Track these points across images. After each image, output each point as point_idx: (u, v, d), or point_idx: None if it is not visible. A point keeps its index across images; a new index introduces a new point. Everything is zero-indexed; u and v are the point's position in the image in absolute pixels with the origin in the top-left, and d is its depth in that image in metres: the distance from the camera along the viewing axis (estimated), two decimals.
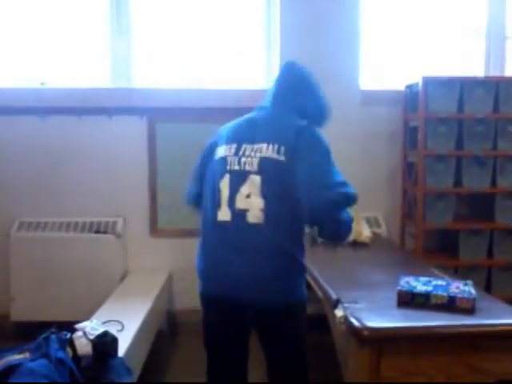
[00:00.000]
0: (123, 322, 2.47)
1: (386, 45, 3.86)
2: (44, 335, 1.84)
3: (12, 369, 1.70)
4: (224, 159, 1.81)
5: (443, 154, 3.47)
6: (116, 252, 3.46)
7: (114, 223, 3.55)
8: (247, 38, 3.78)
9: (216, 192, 1.79)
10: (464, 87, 3.47)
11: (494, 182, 3.54)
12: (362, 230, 3.26)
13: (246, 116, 1.93)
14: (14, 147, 3.57)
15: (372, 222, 3.65)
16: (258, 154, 1.76)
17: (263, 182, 1.73)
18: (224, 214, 1.76)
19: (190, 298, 3.54)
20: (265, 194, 1.72)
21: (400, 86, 3.74)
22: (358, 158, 3.73)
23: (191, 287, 3.55)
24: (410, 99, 3.66)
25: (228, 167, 1.79)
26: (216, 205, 1.78)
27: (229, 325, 1.83)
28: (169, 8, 3.71)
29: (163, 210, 3.67)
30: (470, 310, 1.84)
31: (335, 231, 1.79)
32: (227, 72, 3.76)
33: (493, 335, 1.77)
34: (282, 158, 1.73)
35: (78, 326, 1.93)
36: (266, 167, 1.74)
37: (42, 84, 3.59)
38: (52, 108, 3.53)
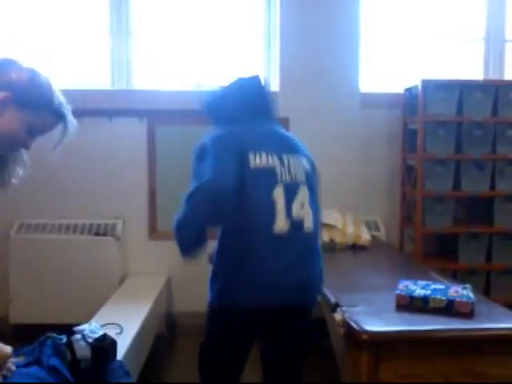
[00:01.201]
0: (122, 324, 2.46)
1: (385, 48, 3.87)
2: (40, 339, 1.84)
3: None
4: (271, 170, 1.79)
5: (442, 157, 3.47)
6: (115, 254, 3.46)
7: (114, 225, 3.55)
8: (247, 40, 3.78)
9: (269, 203, 1.76)
10: (463, 91, 3.47)
11: (493, 186, 3.54)
12: (361, 234, 3.26)
13: (244, 127, 1.88)
14: None
15: (371, 226, 3.65)
16: (302, 166, 1.87)
17: (311, 192, 1.87)
18: (281, 225, 1.76)
19: (189, 301, 3.56)
20: (311, 203, 1.85)
21: (399, 89, 3.75)
22: (357, 161, 3.73)
23: (191, 290, 3.58)
24: (409, 102, 3.66)
25: (279, 178, 1.80)
26: (270, 216, 1.76)
27: (251, 337, 1.89)
28: (169, 10, 3.72)
29: (162, 212, 3.67)
30: (468, 314, 1.85)
31: None
32: (227, 74, 3.77)
33: (491, 339, 1.78)
34: (310, 169, 1.91)
35: (76, 328, 1.92)
36: (308, 178, 1.87)
37: None
38: None
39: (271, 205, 1.76)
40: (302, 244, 1.81)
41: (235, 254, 1.77)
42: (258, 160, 1.78)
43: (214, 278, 1.82)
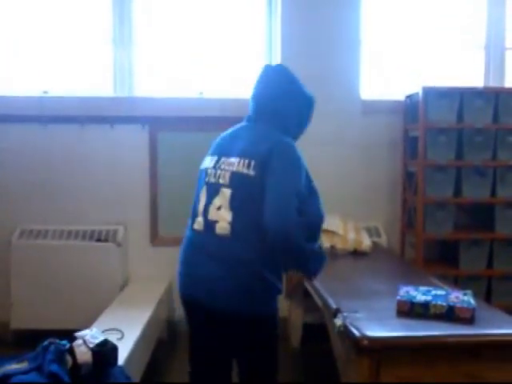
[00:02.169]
0: (123, 330, 2.47)
1: (386, 54, 3.89)
2: (43, 345, 1.84)
3: (8, 377, 1.71)
4: (205, 171, 1.92)
5: (443, 163, 3.48)
6: (116, 260, 3.46)
7: (115, 231, 3.56)
8: (248, 47, 3.80)
9: (196, 202, 1.91)
10: (464, 98, 3.49)
11: (493, 192, 3.55)
12: (362, 240, 3.27)
13: (234, 128, 1.99)
14: (16, 155, 3.58)
15: (372, 232, 3.65)
16: (230, 168, 1.83)
17: (232, 195, 1.79)
18: (198, 224, 1.86)
19: None
20: (233, 207, 1.78)
21: (400, 96, 3.76)
22: (358, 168, 3.75)
23: None
24: (410, 109, 3.68)
25: (207, 179, 1.89)
26: (194, 214, 1.90)
27: (201, 326, 1.91)
28: (171, 18, 3.74)
29: (164, 218, 3.68)
30: (469, 320, 1.85)
31: (301, 263, 1.83)
32: (228, 81, 3.79)
33: (492, 345, 1.78)
34: (252, 172, 1.77)
35: (77, 334, 1.93)
36: (235, 181, 1.80)
37: (45, 92, 3.62)
38: (54, 116, 3.55)
39: (197, 204, 1.89)
40: (211, 247, 1.80)
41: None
42: (205, 162, 1.96)
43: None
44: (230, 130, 2.00)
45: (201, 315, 1.86)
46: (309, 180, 1.86)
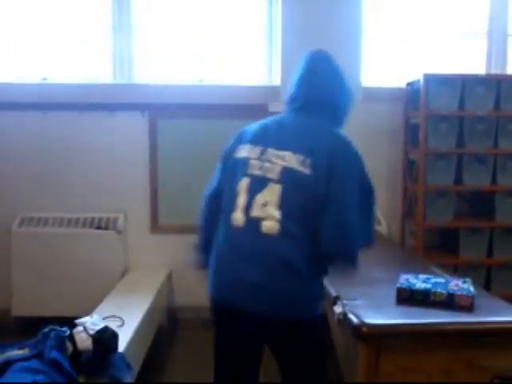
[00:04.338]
0: (123, 317, 2.48)
1: (387, 42, 3.85)
2: (44, 331, 1.85)
3: (9, 364, 1.72)
4: (246, 160, 1.70)
5: (444, 151, 3.47)
6: (117, 248, 3.47)
7: (115, 219, 3.56)
8: (249, 34, 3.77)
9: (230, 194, 1.69)
10: (465, 85, 3.47)
11: (494, 180, 3.54)
12: None
13: (275, 117, 1.81)
14: (16, 142, 3.57)
15: None
16: (281, 162, 1.65)
17: (283, 192, 1.62)
18: (237, 219, 1.65)
19: (190, 295, 3.56)
20: (283, 205, 1.61)
21: (401, 83, 3.74)
22: None
23: (192, 284, 3.57)
24: (411, 97, 3.66)
25: (249, 170, 1.68)
26: (231, 208, 1.67)
27: (234, 335, 1.74)
28: (170, 4, 3.71)
29: (164, 206, 3.68)
30: (468, 308, 1.85)
31: (347, 267, 1.70)
32: (229, 68, 3.76)
33: (491, 332, 1.78)
34: (307, 171, 1.62)
35: (78, 321, 1.94)
36: (287, 177, 1.63)
37: (44, 80, 3.60)
38: (53, 104, 3.54)
39: (234, 196, 1.68)
40: (254, 246, 1.62)
41: (214, 243, 1.74)
42: (241, 151, 1.73)
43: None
44: (271, 120, 1.79)
45: (239, 321, 1.65)
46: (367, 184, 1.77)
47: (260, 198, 1.63)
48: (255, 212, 1.63)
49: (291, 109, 1.80)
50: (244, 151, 1.73)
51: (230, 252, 1.67)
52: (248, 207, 1.64)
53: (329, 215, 1.60)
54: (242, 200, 1.66)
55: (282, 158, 1.66)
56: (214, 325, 1.76)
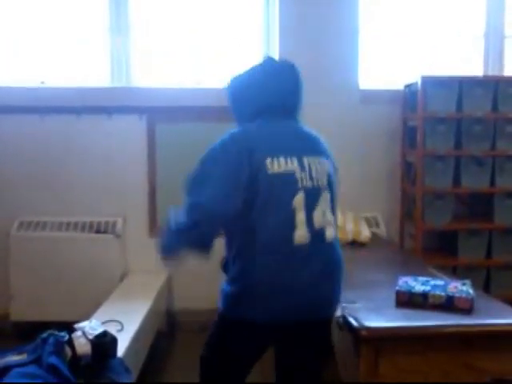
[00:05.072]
0: (122, 322, 2.47)
1: (384, 44, 3.86)
2: (42, 336, 1.84)
3: (7, 369, 1.71)
4: (290, 175, 1.64)
5: (442, 153, 3.47)
6: (115, 252, 3.46)
7: (114, 223, 3.55)
8: (246, 36, 3.78)
9: (288, 213, 1.62)
10: (463, 87, 3.47)
11: (492, 182, 3.54)
12: (360, 230, 3.26)
13: (259, 126, 1.74)
14: (14, 146, 3.57)
15: (371, 222, 3.65)
16: (324, 169, 1.72)
17: (331, 198, 1.75)
18: (300, 236, 1.62)
19: (189, 299, 3.56)
20: (333, 209, 1.75)
21: (399, 85, 3.74)
22: (356, 158, 3.73)
23: (190, 288, 3.58)
24: (408, 99, 3.66)
25: (299, 184, 1.64)
26: (290, 226, 1.62)
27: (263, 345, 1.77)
28: (167, 6, 3.72)
29: (163, 209, 3.66)
30: (468, 310, 1.85)
31: None
32: (226, 70, 3.76)
33: (491, 335, 1.78)
34: (332, 172, 1.78)
35: (77, 325, 1.93)
36: (330, 182, 1.74)
37: (42, 83, 3.60)
38: (51, 107, 3.53)
39: (291, 213, 1.62)
40: (325, 256, 1.68)
41: (254, 266, 1.63)
42: (275, 165, 1.63)
43: (229, 287, 1.68)
44: (256, 127, 1.73)
45: (292, 331, 1.69)
46: None
47: (319, 209, 1.67)
48: (317, 224, 1.66)
49: (269, 114, 1.75)
50: (278, 165, 1.64)
51: (299, 272, 1.62)
52: (310, 220, 1.64)
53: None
54: (301, 216, 1.63)
55: (323, 164, 1.73)
56: (240, 337, 1.69)
